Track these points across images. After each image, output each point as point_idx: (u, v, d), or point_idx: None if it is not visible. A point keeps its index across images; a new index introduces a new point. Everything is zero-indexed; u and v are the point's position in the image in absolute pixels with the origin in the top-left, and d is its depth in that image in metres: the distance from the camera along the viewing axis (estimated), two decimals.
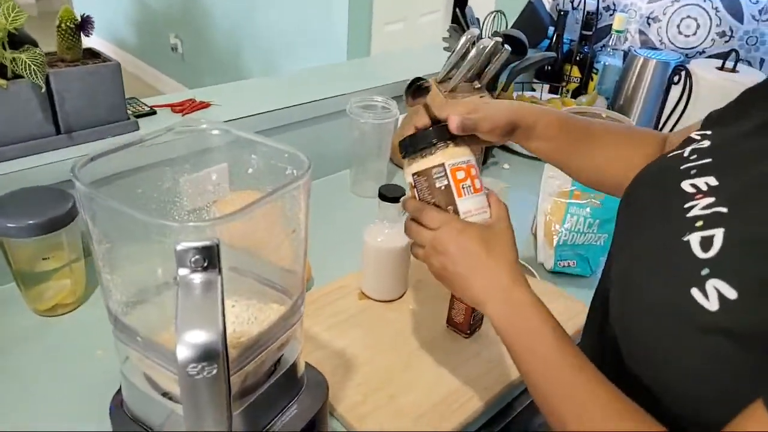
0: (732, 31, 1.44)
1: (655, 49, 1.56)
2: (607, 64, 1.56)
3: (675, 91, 1.42)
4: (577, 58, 1.59)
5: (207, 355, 0.39)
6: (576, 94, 1.59)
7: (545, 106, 0.72)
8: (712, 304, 0.39)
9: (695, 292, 0.41)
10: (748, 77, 1.31)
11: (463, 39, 1.14)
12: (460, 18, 1.27)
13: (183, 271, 0.41)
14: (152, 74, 4.16)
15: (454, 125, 0.60)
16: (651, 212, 0.51)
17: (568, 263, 0.99)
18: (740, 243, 0.41)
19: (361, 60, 2.40)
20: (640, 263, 0.48)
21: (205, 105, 1.11)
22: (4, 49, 0.81)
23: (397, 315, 0.87)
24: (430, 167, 0.61)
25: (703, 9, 1.46)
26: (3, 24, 0.79)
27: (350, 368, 0.77)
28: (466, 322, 0.83)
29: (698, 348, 0.40)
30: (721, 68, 1.36)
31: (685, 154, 0.53)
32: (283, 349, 0.57)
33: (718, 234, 0.42)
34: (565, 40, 1.62)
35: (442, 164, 0.61)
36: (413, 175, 0.63)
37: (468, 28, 1.23)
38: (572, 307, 0.91)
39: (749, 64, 1.45)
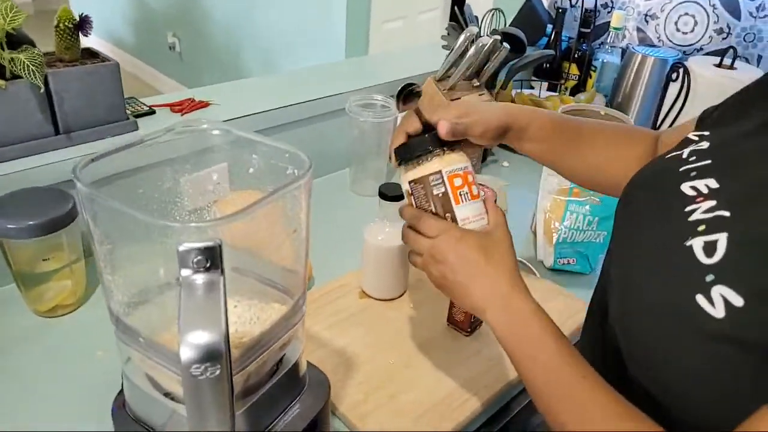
0: (729, 28, 1.44)
1: (653, 46, 1.57)
2: (605, 61, 1.56)
3: (673, 89, 1.42)
4: (576, 56, 1.59)
5: (210, 356, 0.39)
6: (574, 91, 1.59)
7: (537, 107, 0.72)
8: (718, 311, 0.39)
9: (700, 298, 0.40)
10: (746, 74, 1.31)
11: (461, 37, 1.14)
12: (459, 16, 1.27)
13: (185, 272, 0.41)
14: (150, 73, 4.15)
15: (443, 131, 0.60)
16: (650, 214, 0.51)
17: (568, 261, 0.99)
18: (744, 248, 0.41)
19: (360, 58, 2.40)
20: (641, 265, 0.48)
21: (204, 104, 1.10)
22: (3, 49, 0.81)
23: (398, 314, 0.88)
24: (427, 175, 0.61)
25: (701, 6, 1.46)
26: (1, 24, 0.79)
27: (351, 367, 0.77)
28: (467, 321, 0.83)
29: (702, 353, 0.40)
30: (719, 65, 1.36)
31: (684, 156, 0.52)
32: (285, 349, 0.57)
33: (722, 239, 0.42)
34: (563, 38, 1.62)
35: (439, 171, 0.60)
36: (410, 182, 0.62)
37: (466, 26, 1.23)
38: (572, 305, 0.91)
39: (747, 60, 1.45)
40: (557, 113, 0.72)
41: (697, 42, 1.50)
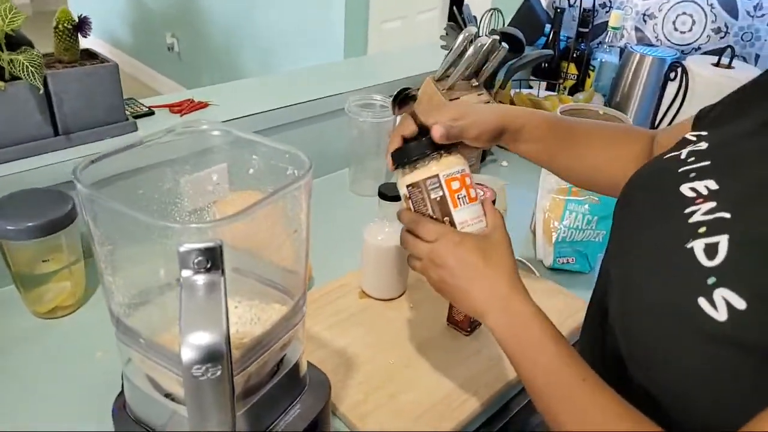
0: (727, 28, 1.45)
1: (651, 45, 1.57)
2: (603, 61, 1.56)
3: (671, 88, 1.42)
4: (574, 56, 1.59)
5: (211, 357, 0.39)
6: (573, 91, 1.60)
7: (532, 108, 0.72)
8: (721, 314, 0.39)
9: (702, 301, 0.40)
10: (743, 73, 1.32)
11: (460, 37, 1.14)
12: (457, 16, 1.27)
13: (186, 273, 0.41)
14: (148, 74, 4.15)
15: (437, 135, 0.60)
16: (650, 215, 0.51)
17: (567, 260, 1.00)
18: (745, 250, 0.41)
19: (359, 58, 2.40)
20: (641, 266, 0.48)
21: (203, 105, 1.10)
22: (2, 50, 0.81)
23: (398, 313, 0.88)
24: (425, 178, 0.61)
25: (699, 5, 1.47)
26: (0, 26, 0.79)
27: (351, 367, 0.77)
28: (466, 321, 0.83)
29: (703, 355, 0.40)
30: (717, 64, 1.36)
31: (682, 156, 0.52)
32: (285, 349, 0.57)
33: (723, 241, 0.42)
34: (561, 38, 1.63)
35: (437, 175, 0.60)
36: (407, 186, 0.62)
37: (465, 26, 1.23)
38: (572, 304, 0.91)
39: (744, 60, 1.45)
40: (552, 114, 0.72)
41: (695, 41, 1.50)
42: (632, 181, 0.57)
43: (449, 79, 1.18)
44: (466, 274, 0.57)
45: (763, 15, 1.39)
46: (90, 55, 0.94)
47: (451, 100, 1.17)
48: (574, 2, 1.66)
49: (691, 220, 0.45)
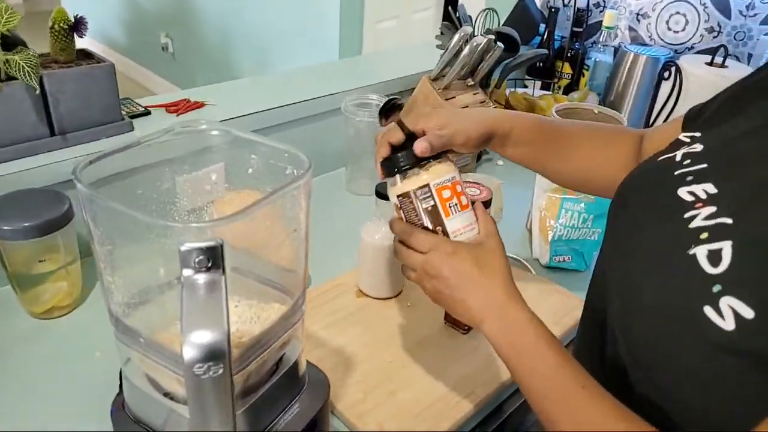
0: (720, 27, 1.46)
1: (645, 45, 1.58)
2: (597, 60, 1.57)
3: (665, 87, 1.43)
4: (569, 55, 1.60)
5: (213, 355, 0.39)
6: (567, 90, 1.60)
7: (520, 112, 0.72)
8: (728, 324, 0.38)
9: (708, 310, 0.40)
10: (736, 72, 1.33)
11: (456, 37, 1.14)
12: (453, 16, 1.28)
13: (187, 272, 0.41)
14: (142, 74, 4.14)
15: (418, 151, 0.59)
16: (648, 218, 0.50)
17: (563, 258, 1.00)
18: (750, 257, 0.40)
19: (354, 58, 2.40)
20: (642, 272, 0.47)
21: (199, 105, 1.10)
22: None
23: (395, 312, 0.88)
24: (415, 189, 0.60)
25: (692, 5, 1.48)
26: None
27: (350, 366, 0.77)
28: None
29: (709, 363, 0.39)
30: (710, 63, 1.37)
31: (677, 158, 0.52)
32: (284, 349, 0.57)
33: (726, 247, 0.41)
34: (556, 37, 1.63)
35: (427, 185, 0.60)
36: (398, 197, 0.62)
37: (461, 25, 1.23)
38: (568, 302, 0.91)
39: (737, 59, 1.46)
40: (540, 117, 0.72)
41: (688, 41, 1.52)
42: (626, 182, 0.57)
43: (445, 79, 1.18)
44: (461, 283, 0.57)
45: (755, 15, 1.41)
46: (86, 55, 0.94)
47: (447, 99, 1.18)
48: (569, 2, 1.67)
49: (691, 226, 0.44)
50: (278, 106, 1.15)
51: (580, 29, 1.58)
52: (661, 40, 1.56)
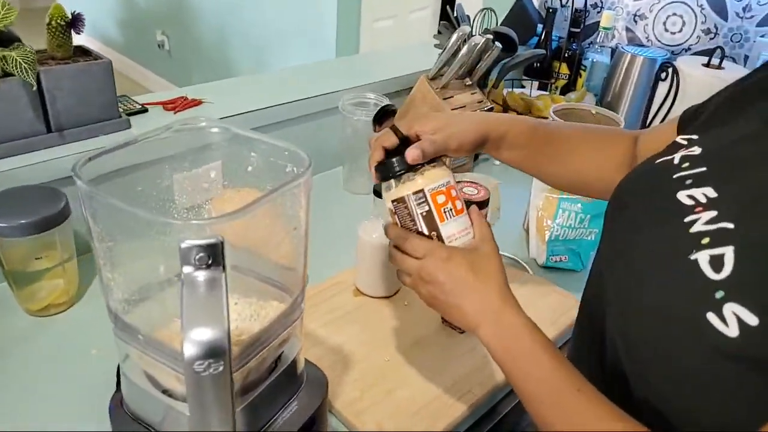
0: (717, 29, 1.46)
1: (642, 46, 1.58)
2: (595, 61, 1.57)
3: (662, 88, 1.44)
4: (566, 55, 1.60)
5: (213, 352, 0.39)
6: (565, 90, 1.61)
7: (515, 115, 0.72)
8: (732, 330, 0.38)
9: (712, 317, 0.39)
10: (733, 74, 1.33)
11: (454, 36, 1.14)
12: (450, 15, 1.28)
13: (187, 269, 0.41)
14: (139, 72, 4.12)
15: (410, 158, 0.59)
16: (645, 221, 0.50)
17: (560, 258, 1.00)
18: (753, 262, 0.40)
19: (351, 57, 2.40)
20: (640, 274, 0.47)
21: (197, 102, 1.10)
22: None
23: (393, 311, 0.88)
24: (410, 193, 0.60)
25: (689, 6, 1.48)
26: None
27: (347, 364, 0.77)
28: None
29: (712, 370, 0.39)
30: (707, 65, 1.38)
31: (676, 161, 0.51)
32: (283, 346, 0.57)
33: (728, 253, 0.41)
34: (553, 38, 1.64)
35: (422, 190, 0.60)
36: (392, 201, 0.62)
37: (458, 25, 1.23)
38: (565, 302, 0.92)
39: (734, 60, 1.47)
40: (535, 120, 0.72)
41: (685, 42, 1.52)
42: (623, 184, 0.57)
43: (443, 78, 1.18)
44: (456, 289, 0.57)
45: (752, 17, 1.41)
46: (83, 52, 0.93)
47: (444, 99, 1.18)
48: (566, 2, 1.67)
49: (692, 230, 0.44)
50: (275, 105, 1.15)
51: (578, 30, 1.58)
52: (658, 41, 1.56)
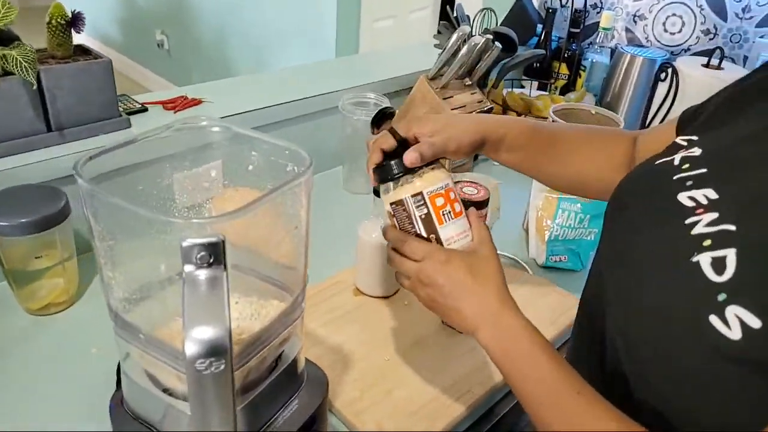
0: (716, 29, 1.47)
1: (642, 46, 1.59)
2: (594, 61, 1.58)
3: (662, 88, 1.44)
4: (565, 56, 1.61)
5: (214, 351, 0.39)
6: (564, 91, 1.61)
7: (513, 116, 0.72)
8: (735, 333, 0.38)
9: (714, 319, 0.39)
10: (733, 74, 1.33)
11: (454, 36, 1.14)
12: (450, 15, 1.28)
13: (189, 268, 0.41)
14: (138, 71, 4.12)
15: (408, 161, 0.59)
16: (646, 222, 0.50)
17: (560, 258, 1.01)
18: (755, 264, 0.40)
19: (351, 57, 2.40)
20: (640, 275, 0.47)
21: (197, 102, 1.10)
22: None
23: (392, 311, 0.88)
24: (409, 196, 0.60)
25: (688, 7, 1.49)
26: None
27: (347, 364, 0.77)
28: None
29: (714, 371, 0.39)
30: (707, 65, 1.38)
31: (676, 162, 0.51)
32: (284, 345, 0.57)
33: (730, 255, 0.41)
34: (553, 38, 1.64)
35: (420, 192, 0.60)
36: (391, 204, 0.62)
37: (458, 25, 1.23)
38: (564, 302, 0.92)
39: (733, 61, 1.47)
40: (533, 121, 0.72)
41: (684, 42, 1.52)
42: (623, 185, 0.57)
43: (443, 78, 1.18)
44: (455, 292, 0.57)
45: (751, 17, 1.42)
46: (83, 51, 0.93)
47: (444, 98, 1.18)
48: (566, 3, 1.68)
49: (694, 232, 0.44)
50: (275, 104, 1.15)
51: (577, 30, 1.58)
52: (658, 41, 1.56)
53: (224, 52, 3.33)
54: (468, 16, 1.32)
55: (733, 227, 0.42)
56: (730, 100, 0.55)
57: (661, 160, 0.54)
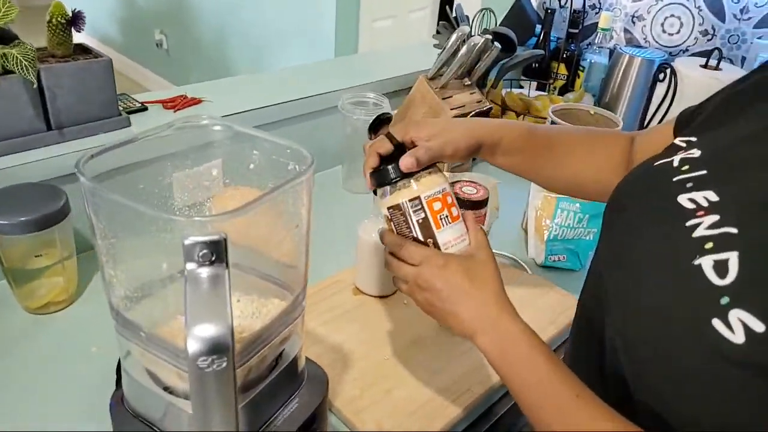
0: (714, 30, 1.47)
1: (640, 47, 1.59)
2: (593, 61, 1.58)
3: (660, 89, 1.44)
4: (564, 56, 1.61)
5: (217, 348, 0.39)
6: (563, 91, 1.61)
7: (510, 120, 0.72)
8: (738, 337, 0.38)
9: (717, 323, 0.39)
10: (731, 75, 1.34)
11: (454, 36, 1.14)
12: (450, 15, 1.28)
13: (191, 265, 0.41)
14: (137, 71, 4.11)
15: (404, 166, 0.59)
16: (645, 224, 0.50)
17: (559, 258, 1.01)
18: (758, 268, 0.39)
19: (351, 57, 2.40)
20: (640, 276, 0.47)
21: (196, 101, 1.10)
22: None
23: (392, 310, 0.88)
24: (406, 200, 0.60)
25: (686, 8, 1.49)
26: None
27: (347, 363, 0.77)
28: None
29: (717, 376, 0.39)
30: (705, 66, 1.39)
31: (675, 164, 0.51)
32: (284, 344, 0.57)
33: (732, 258, 0.40)
34: (552, 38, 1.64)
35: (418, 197, 0.60)
36: (388, 209, 0.62)
37: (458, 25, 1.24)
38: (563, 301, 0.92)
39: (731, 62, 1.48)
40: (530, 124, 0.72)
41: (682, 43, 1.53)
42: (622, 186, 0.56)
43: (442, 78, 1.18)
44: (452, 296, 0.57)
45: (749, 18, 1.42)
46: (83, 50, 0.93)
47: (443, 98, 1.18)
48: (565, 3, 1.68)
49: (695, 235, 0.44)
50: (275, 104, 1.15)
51: (576, 30, 1.58)
52: (656, 42, 1.57)
53: (223, 52, 3.33)
54: (467, 17, 1.32)
55: (734, 230, 0.42)
56: (728, 101, 0.55)
57: (660, 162, 0.53)
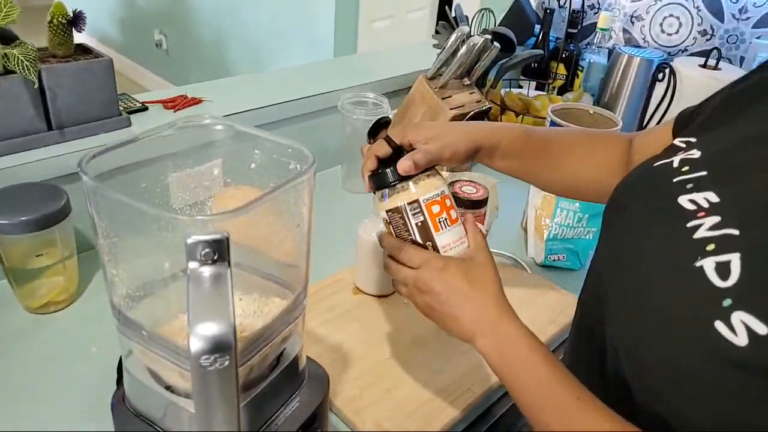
0: (713, 30, 1.47)
1: (639, 47, 1.59)
2: (592, 61, 1.58)
3: (659, 89, 1.45)
4: (563, 56, 1.61)
5: (219, 347, 0.39)
6: (562, 91, 1.61)
7: (508, 123, 0.73)
8: (741, 339, 0.38)
9: (720, 325, 0.39)
10: (730, 75, 1.34)
11: (453, 36, 1.15)
12: (449, 15, 1.28)
13: (193, 264, 0.41)
14: (137, 71, 4.11)
15: (402, 170, 0.59)
16: (645, 224, 0.50)
17: (558, 257, 1.01)
18: (760, 269, 0.39)
19: (350, 57, 2.41)
20: (641, 276, 0.47)
21: (196, 101, 1.10)
22: None
23: (392, 310, 0.88)
24: (405, 204, 0.60)
25: (685, 8, 1.49)
26: None
27: (347, 362, 0.77)
28: None
29: (719, 379, 0.39)
30: (704, 66, 1.39)
31: (675, 165, 0.51)
32: (285, 343, 0.57)
33: (734, 260, 0.40)
34: (551, 38, 1.65)
35: (417, 200, 0.60)
36: (387, 212, 0.62)
37: (457, 25, 1.24)
38: (563, 301, 0.92)
39: (730, 61, 1.48)
40: (527, 127, 0.72)
41: (681, 43, 1.53)
42: (621, 187, 0.56)
43: (442, 78, 1.18)
44: (452, 298, 0.57)
45: (748, 18, 1.42)
46: (84, 50, 0.93)
47: (443, 98, 1.18)
48: (564, 3, 1.68)
49: (696, 236, 0.44)
50: (275, 104, 1.15)
51: (575, 30, 1.59)
52: (655, 42, 1.57)
53: (223, 52, 3.33)
54: (466, 17, 1.32)
55: (736, 231, 0.42)
56: (727, 102, 0.55)
57: (659, 162, 0.53)
